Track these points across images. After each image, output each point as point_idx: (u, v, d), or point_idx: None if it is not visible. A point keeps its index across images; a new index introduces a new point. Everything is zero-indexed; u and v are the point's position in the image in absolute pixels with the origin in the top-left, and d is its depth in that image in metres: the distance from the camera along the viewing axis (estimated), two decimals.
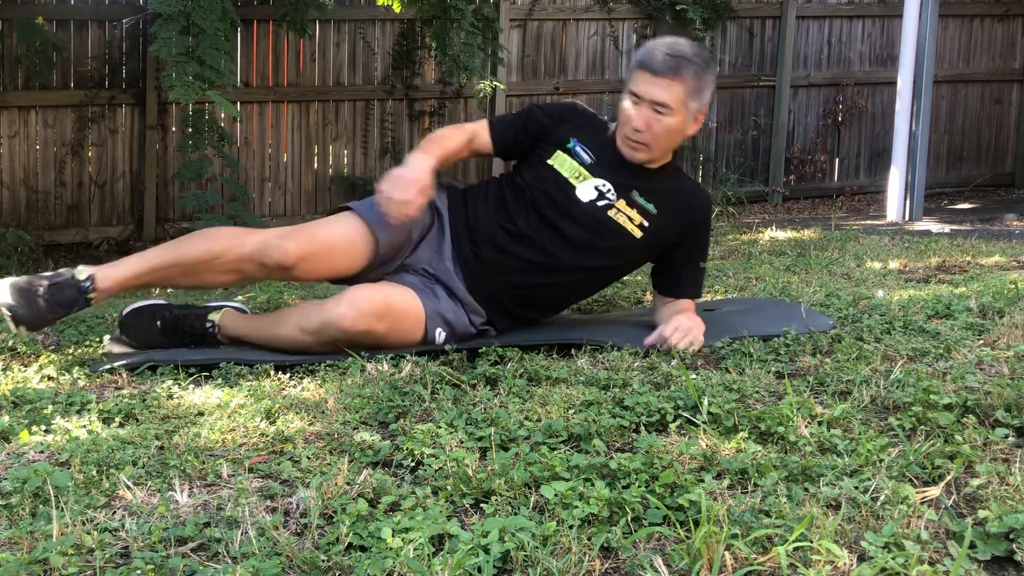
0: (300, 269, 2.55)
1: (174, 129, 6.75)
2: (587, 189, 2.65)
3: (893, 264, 4.18)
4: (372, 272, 2.67)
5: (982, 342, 2.48)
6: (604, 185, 2.66)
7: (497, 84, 6.85)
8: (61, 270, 2.60)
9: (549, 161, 2.69)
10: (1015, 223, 6.83)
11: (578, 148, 2.70)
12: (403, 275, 2.67)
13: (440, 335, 2.59)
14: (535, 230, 2.63)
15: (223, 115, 6.40)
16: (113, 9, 6.63)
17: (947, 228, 6.24)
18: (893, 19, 8.34)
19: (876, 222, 6.95)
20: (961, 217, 7.27)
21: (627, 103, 2.63)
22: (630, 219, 2.66)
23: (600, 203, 2.65)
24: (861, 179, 8.76)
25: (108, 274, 2.57)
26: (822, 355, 2.42)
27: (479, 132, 2.76)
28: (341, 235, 2.63)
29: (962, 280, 3.61)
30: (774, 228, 6.27)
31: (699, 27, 8.00)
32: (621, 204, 2.66)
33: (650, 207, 2.68)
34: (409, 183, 2.53)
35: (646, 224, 2.67)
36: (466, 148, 2.76)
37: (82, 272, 2.57)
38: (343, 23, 7.22)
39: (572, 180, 2.66)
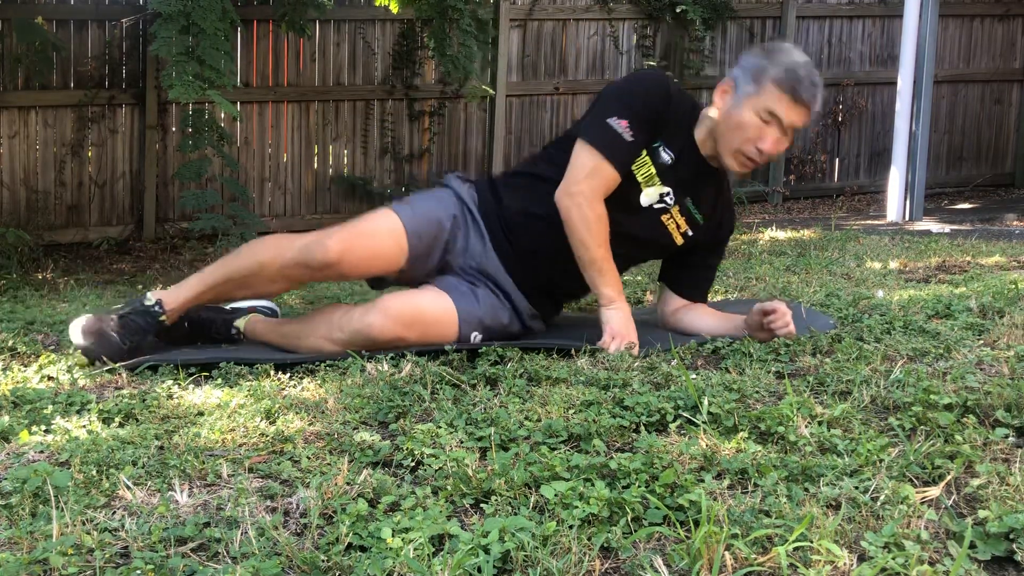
0: (345, 264, 2.53)
1: (174, 129, 6.75)
2: (651, 194, 2.65)
3: (893, 264, 4.18)
4: (414, 268, 2.65)
5: (982, 342, 2.48)
6: (668, 194, 2.66)
7: (487, 90, 6.84)
8: (129, 301, 2.67)
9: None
10: (1015, 223, 6.83)
11: (662, 149, 2.63)
12: (446, 277, 2.66)
13: (476, 338, 2.60)
14: None
15: (223, 115, 6.39)
16: (113, 9, 6.63)
17: (947, 228, 6.24)
18: (893, 19, 8.34)
19: (876, 222, 6.95)
20: (961, 217, 7.27)
21: (754, 118, 2.53)
22: (678, 226, 2.71)
23: (657, 206, 2.67)
24: (861, 179, 8.76)
25: (174, 296, 2.63)
26: (822, 355, 2.42)
27: (610, 180, 2.58)
28: (379, 223, 2.62)
29: (962, 280, 3.61)
30: (774, 228, 6.27)
31: (699, 27, 8.00)
32: (675, 211, 2.69)
33: (698, 217, 2.72)
34: (633, 340, 2.54)
35: (690, 233, 2.73)
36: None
37: (150, 298, 2.62)
38: (343, 23, 7.22)
39: (642, 183, 2.65)
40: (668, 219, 2.69)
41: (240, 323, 2.74)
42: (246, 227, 5.75)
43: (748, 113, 2.54)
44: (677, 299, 2.80)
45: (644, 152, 2.62)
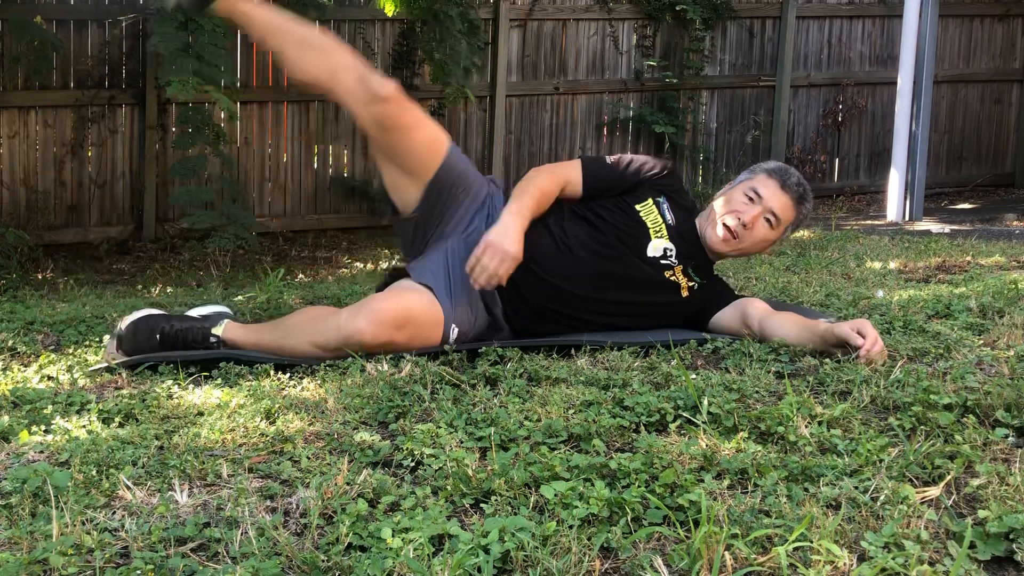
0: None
1: (174, 129, 6.74)
2: (657, 247, 2.72)
3: (893, 264, 4.18)
4: (430, 198, 2.68)
5: (982, 342, 2.48)
6: (671, 249, 2.73)
7: (466, 91, 6.82)
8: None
9: (638, 206, 2.74)
10: (1015, 223, 6.83)
11: (665, 207, 2.77)
12: (428, 258, 2.64)
13: (453, 331, 2.57)
14: (591, 260, 2.66)
15: (223, 114, 6.38)
16: (113, 9, 6.62)
17: (947, 228, 6.25)
18: (893, 19, 8.34)
19: (876, 222, 6.95)
20: (961, 217, 7.27)
21: (740, 195, 2.74)
22: (681, 281, 2.74)
23: (663, 261, 2.72)
24: (861, 179, 8.76)
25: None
26: (822, 355, 2.42)
27: (573, 179, 2.74)
28: (432, 135, 2.68)
29: (962, 280, 3.61)
30: None
31: (699, 27, 8.00)
32: (678, 269, 2.74)
33: (697, 279, 2.77)
34: (506, 257, 2.52)
35: (695, 288, 2.76)
36: (556, 196, 2.73)
37: (217, 334, 2.58)
38: (343, 23, 7.21)
39: (651, 231, 2.73)
40: (671, 274, 2.73)
41: (218, 331, 2.60)
42: (240, 227, 5.72)
43: (738, 192, 2.77)
44: (745, 312, 2.68)
45: (650, 200, 2.76)
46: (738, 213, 2.70)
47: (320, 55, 2.64)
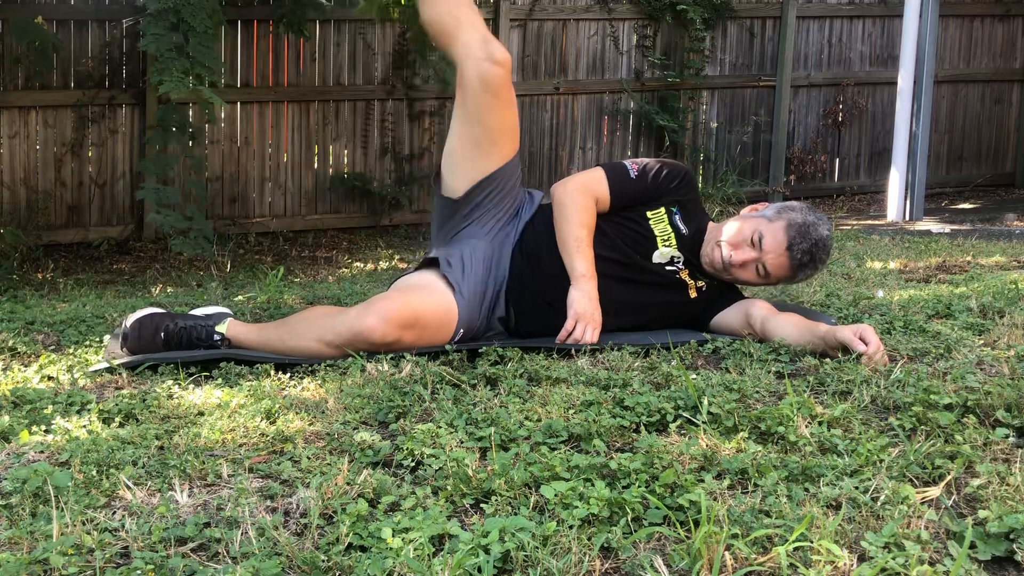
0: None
1: (174, 129, 6.73)
2: (664, 254, 2.73)
3: (893, 264, 4.18)
4: (507, 172, 2.74)
5: (982, 342, 2.48)
6: (678, 257, 2.74)
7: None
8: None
9: (649, 214, 2.74)
10: (1015, 223, 6.83)
11: (677, 217, 2.76)
12: (460, 247, 2.69)
13: (459, 333, 2.59)
14: (596, 261, 2.68)
15: (204, 113, 6.35)
16: (113, 9, 6.63)
17: (947, 228, 6.25)
18: (893, 19, 8.35)
19: (876, 222, 6.96)
20: (961, 217, 7.27)
21: (749, 231, 2.66)
22: (689, 282, 2.76)
23: (668, 268, 2.74)
24: (861, 179, 8.76)
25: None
26: (822, 355, 2.42)
27: (601, 197, 2.72)
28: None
29: (962, 280, 3.61)
30: None
31: (699, 27, 8.00)
32: (684, 273, 2.75)
33: (705, 281, 2.78)
34: (597, 325, 2.58)
35: (704, 289, 2.77)
36: None
37: (221, 332, 2.60)
38: (343, 23, 7.22)
39: (659, 239, 2.73)
40: (678, 276, 2.75)
41: (222, 328, 2.61)
42: (200, 234, 5.67)
43: (750, 225, 2.69)
44: (748, 312, 2.68)
45: (663, 209, 2.75)
46: (734, 249, 2.66)
47: (455, 4, 2.75)
